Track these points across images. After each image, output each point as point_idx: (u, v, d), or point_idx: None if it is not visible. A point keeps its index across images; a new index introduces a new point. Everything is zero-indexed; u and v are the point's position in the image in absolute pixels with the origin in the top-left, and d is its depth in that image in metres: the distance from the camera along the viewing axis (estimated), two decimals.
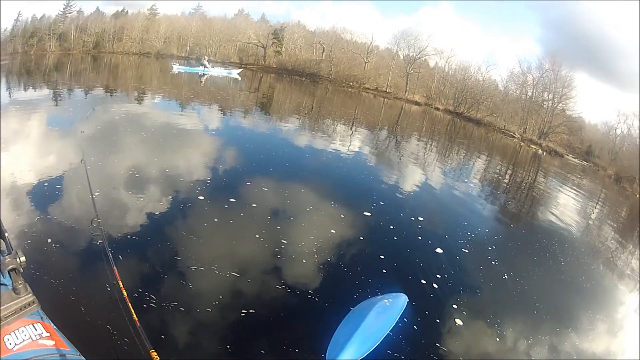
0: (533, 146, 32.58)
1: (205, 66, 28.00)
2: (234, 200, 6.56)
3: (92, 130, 9.25)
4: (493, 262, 6.76)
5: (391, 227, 6.83)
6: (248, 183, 7.41)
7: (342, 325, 4.14)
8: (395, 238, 6.50)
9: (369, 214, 7.16)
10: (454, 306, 5.09)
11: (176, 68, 26.30)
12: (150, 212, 5.54)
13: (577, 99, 35.12)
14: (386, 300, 4.70)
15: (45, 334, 2.22)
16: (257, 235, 5.54)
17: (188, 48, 34.57)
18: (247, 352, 3.56)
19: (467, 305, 5.19)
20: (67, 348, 2.24)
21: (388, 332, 4.19)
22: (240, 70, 30.54)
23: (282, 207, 6.64)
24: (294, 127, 15.89)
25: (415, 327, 4.53)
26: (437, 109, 36.94)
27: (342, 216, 6.82)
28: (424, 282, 5.40)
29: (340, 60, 38.18)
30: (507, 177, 17.28)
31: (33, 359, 2.02)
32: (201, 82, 24.72)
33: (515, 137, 33.87)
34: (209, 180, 7.28)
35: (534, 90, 36.25)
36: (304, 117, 18.97)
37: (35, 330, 2.19)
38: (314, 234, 5.97)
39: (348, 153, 12.71)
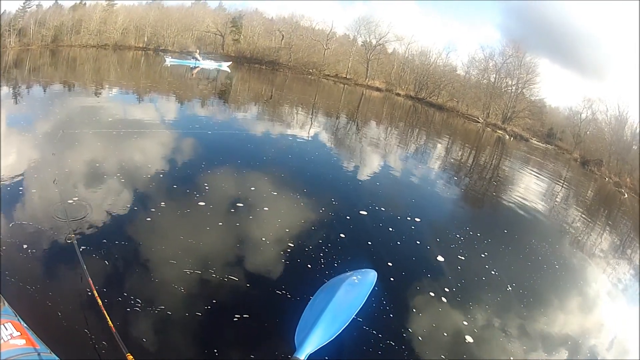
0: (499, 131, 36.24)
1: (197, 59, 32.75)
2: (207, 199, 7.03)
3: (76, 127, 10.06)
4: (464, 236, 7.86)
5: (361, 212, 7.81)
6: (212, 179, 8.05)
7: (310, 306, 4.36)
8: (362, 222, 7.45)
9: (335, 202, 8.05)
10: (424, 280, 5.81)
11: (169, 61, 30.87)
12: (122, 216, 5.97)
13: (540, 85, 39.42)
14: (354, 277, 4.93)
15: (16, 334, 2.62)
16: (231, 232, 6.12)
17: (146, 38, 38.74)
18: (223, 347, 3.90)
19: (440, 280, 5.90)
20: (38, 346, 2.64)
21: (358, 309, 4.43)
22: (230, 63, 34.92)
23: (244, 200, 7.27)
24: (261, 116, 17.72)
25: (385, 303, 5.02)
26: (398, 94, 41.48)
27: (307, 205, 7.59)
28: (390, 259, 6.14)
29: (299, 48, 42.73)
30: (476, 162, 19.30)
31: None
32: (192, 74, 29.01)
33: (479, 122, 37.76)
34: (178, 178, 7.83)
35: (497, 76, 40.44)
36: (266, 105, 21.19)
37: (6, 330, 2.60)
38: (276, 221, 6.65)
39: (310, 141, 13.98)
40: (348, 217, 7.53)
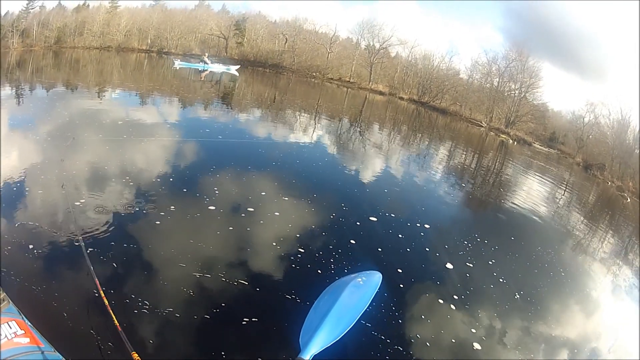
0: (503, 135, 36.42)
1: (205, 62, 33.15)
2: (215, 202, 7.05)
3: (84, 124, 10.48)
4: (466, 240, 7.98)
5: (370, 217, 7.86)
6: (223, 183, 8.10)
7: (315, 307, 4.38)
8: (372, 227, 7.48)
9: (345, 208, 8.12)
10: (433, 286, 5.85)
11: (177, 64, 31.39)
12: (131, 219, 5.97)
13: (543, 89, 39.67)
14: (360, 279, 4.95)
15: (20, 332, 2.61)
16: (242, 236, 6.12)
17: (149, 41, 38.95)
18: (228, 348, 3.94)
19: (449, 287, 5.94)
20: (42, 345, 2.63)
21: (363, 311, 4.44)
22: (238, 66, 35.10)
23: (254, 204, 7.33)
24: (269, 120, 17.70)
25: (394, 308, 5.07)
26: (402, 98, 41.76)
27: (317, 210, 7.64)
28: (400, 265, 6.17)
29: (302, 51, 43.06)
30: (482, 167, 19.44)
31: (9, 359, 2.37)
32: (201, 77, 29.31)
33: (482, 126, 37.99)
34: (188, 182, 7.83)
35: (500, 80, 40.67)
36: (273, 109, 21.13)
37: (10, 328, 2.59)
38: (287, 226, 6.71)
39: (319, 146, 14.01)
40: (358, 223, 7.54)
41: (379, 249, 6.68)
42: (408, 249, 7.01)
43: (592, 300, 7.39)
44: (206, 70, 32.29)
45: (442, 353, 4.64)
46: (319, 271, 5.63)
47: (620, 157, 32.35)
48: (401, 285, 5.72)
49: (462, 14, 69.33)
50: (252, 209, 7.17)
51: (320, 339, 3.85)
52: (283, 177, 9.24)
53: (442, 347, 4.72)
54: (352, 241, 6.74)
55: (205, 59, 33.44)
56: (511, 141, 35.45)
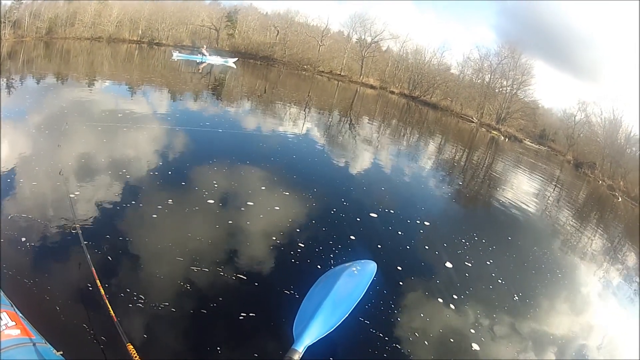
0: (494, 132, 36.70)
1: (203, 54, 32.99)
2: (213, 199, 6.96)
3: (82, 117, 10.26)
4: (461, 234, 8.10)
5: (370, 214, 7.84)
6: (222, 177, 8.03)
7: (309, 297, 4.31)
8: (372, 224, 7.50)
9: (345, 203, 8.18)
10: (432, 285, 5.86)
11: (176, 55, 31.22)
12: (127, 212, 5.92)
13: (535, 87, 40.10)
14: (354, 268, 4.85)
15: (11, 324, 2.61)
16: (241, 230, 6.05)
17: (140, 32, 38.52)
18: (222, 341, 3.96)
19: (449, 286, 5.91)
20: (33, 336, 2.63)
21: (358, 300, 4.36)
22: (236, 59, 35.17)
23: (254, 199, 7.25)
24: (267, 115, 17.38)
25: (393, 306, 5.07)
26: (392, 92, 41.83)
27: (318, 206, 7.64)
28: (399, 263, 6.17)
29: (294, 44, 42.91)
30: (478, 165, 19.46)
31: None
32: (199, 69, 29.24)
33: (473, 122, 38.21)
34: (187, 175, 7.75)
35: (492, 76, 40.95)
36: (269, 104, 20.65)
37: (1, 320, 2.59)
38: (287, 220, 6.69)
39: (318, 142, 13.90)
40: (358, 219, 7.53)
41: (379, 246, 6.64)
42: (408, 247, 6.99)
43: (589, 300, 7.45)
44: (204, 62, 32.21)
45: (438, 351, 4.63)
46: (319, 266, 5.57)
47: (612, 156, 32.69)
48: (400, 283, 5.72)
49: (457, 13, 69.41)
50: (251, 203, 7.12)
51: (314, 330, 3.76)
52: (283, 171, 9.23)
53: (439, 345, 4.71)
54: (352, 237, 6.72)
55: (204, 51, 33.31)
56: (502, 137, 35.68)
